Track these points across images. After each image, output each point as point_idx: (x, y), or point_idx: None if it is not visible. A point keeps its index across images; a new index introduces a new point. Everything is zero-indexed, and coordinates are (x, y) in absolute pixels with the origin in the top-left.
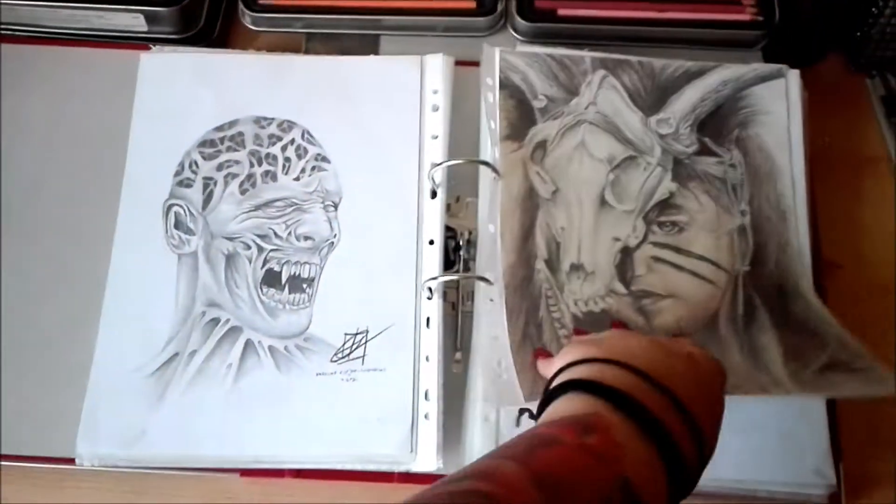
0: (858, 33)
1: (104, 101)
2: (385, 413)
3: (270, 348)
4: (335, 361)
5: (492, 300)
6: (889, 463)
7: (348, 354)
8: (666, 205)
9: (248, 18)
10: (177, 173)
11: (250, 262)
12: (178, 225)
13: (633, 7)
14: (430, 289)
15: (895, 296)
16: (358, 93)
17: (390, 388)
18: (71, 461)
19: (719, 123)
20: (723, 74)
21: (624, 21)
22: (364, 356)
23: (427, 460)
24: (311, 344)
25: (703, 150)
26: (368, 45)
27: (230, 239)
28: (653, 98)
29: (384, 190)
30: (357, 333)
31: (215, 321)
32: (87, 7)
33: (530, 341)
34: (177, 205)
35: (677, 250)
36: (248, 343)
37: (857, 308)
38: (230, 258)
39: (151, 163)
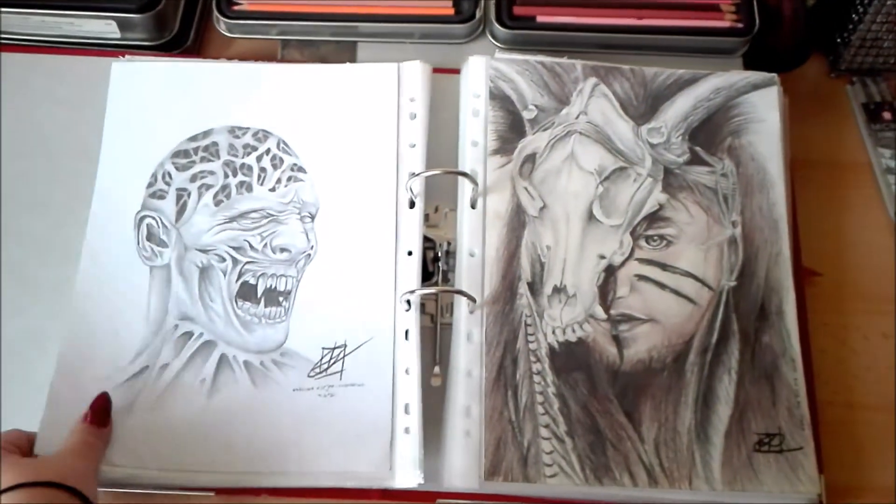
0: (839, 39)
1: (76, 108)
2: (364, 429)
3: (246, 363)
4: (312, 377)
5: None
6: (871, 474)
7: (326, 369)
8: (655, 217)
9: (222, 25)
10: (149, 185)
11: (225, 275)
12: (150, 237)
13: (611, 14)
14: (407, 301)
15: (874, 302)
16: (334, 101)
17: (369, 403)
18: None
19: (711, 132)
20: (715, 82)
21: (603, 28)
22: (342, 371)
23: (406, 476)
24: (288, 359)
25: (695, 160)
26: (345, 52)
27: (204, 251)
28: (644, 106)
29: (362, 200)
30: (335, 348)
31: (188, 335)
32: (58, 14)
33: (504, 379)
34: (149, 217)
35: (663, 267)
36: (223, 358)
37: (836, 317)
38: (204, 271)
39: (123, 174)
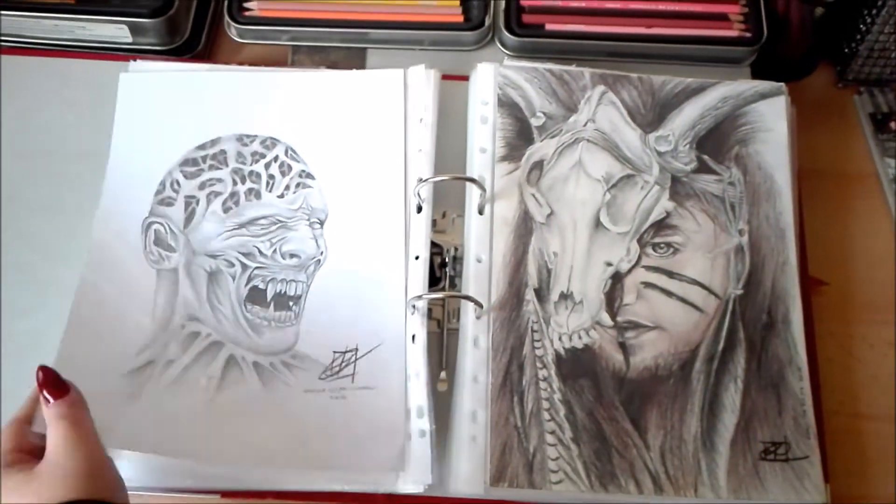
0: (846, 49)
1: (86, 111)
2: (377, 431)
3: (255, 364)
4: (324, 379)
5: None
6: (876, 484)
7: (338, 372)
8: (662, 225)
9: (233, 30)
10: (157, 192)
11: (234, 280)
12: (157, 242)
13: (620, 23)
14: (414, 306)
15: (881, 312)
16: (342, 107)
17: (382, 406)
18: None
19: (719, 141)
20: (722, 91)
21: (612, 36)
22: (354, 374)
23: (420, 478)
24: (299, 361)
25: (702, 168)
26: (355, 58)
27: (213, 256)
28: (652, 115)
29: (370, 205)
30: (346, 351)
31: (195, 335)
32: (70, 18)
33: (510, 385)
34: (157, 223)
35: (669, 274)
36: (231, 358)
37: (842, 326)
38: (212, 275)
39: (131, 181)
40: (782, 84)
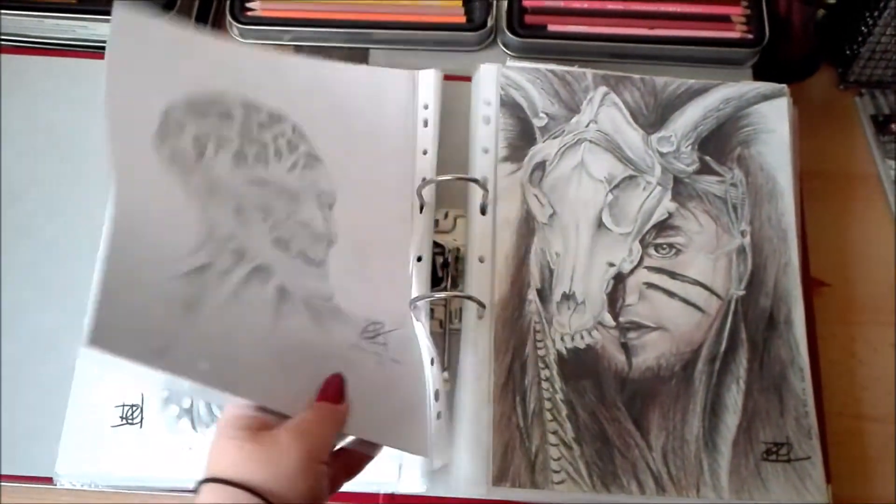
0: (848, 51)
1: (89, 110)
2: (406, 409)
3: (304, 301)
4: (365, 339)
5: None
6: (878, 485)
7: (373, 337)
8: (664, 226)
9: (235, 30)
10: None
11: (256, 223)
12: (173, 160)
13: (622, 24)
14: (416, 306)
15: (883, 313)
16: (351, 100)
17: (409, 382)
18: (48, 480)
19: (721, 142)
20: (725, 92)
21: (614, 37)
22: (386, 344)
23: (439, 457)
24: (339, 314)
25: (704, 169)
26: (357, 59)
27: (231, 197)
28: (654, 116)
29: (376, 201)
30: (375, 322)
31: (241, 252)
32: (72, 17)
33: (512, 385)
34: (164, 150)
35: (672, 275)
36: (282, 288)
37: (845, 327)
38: (237, 210)
39: (130, 111)
40: (784, 86)
